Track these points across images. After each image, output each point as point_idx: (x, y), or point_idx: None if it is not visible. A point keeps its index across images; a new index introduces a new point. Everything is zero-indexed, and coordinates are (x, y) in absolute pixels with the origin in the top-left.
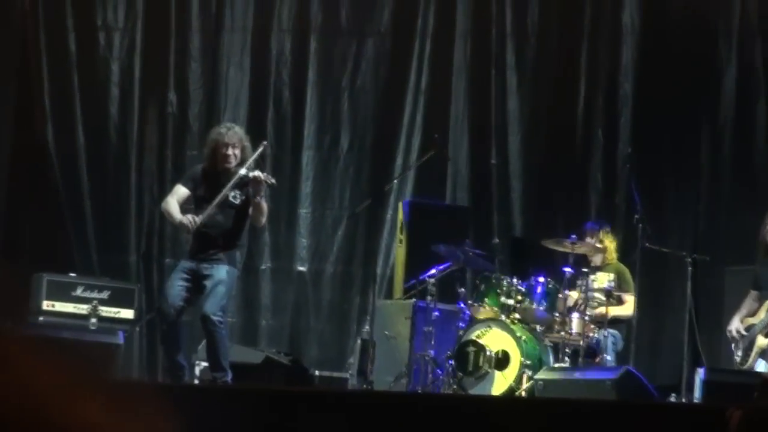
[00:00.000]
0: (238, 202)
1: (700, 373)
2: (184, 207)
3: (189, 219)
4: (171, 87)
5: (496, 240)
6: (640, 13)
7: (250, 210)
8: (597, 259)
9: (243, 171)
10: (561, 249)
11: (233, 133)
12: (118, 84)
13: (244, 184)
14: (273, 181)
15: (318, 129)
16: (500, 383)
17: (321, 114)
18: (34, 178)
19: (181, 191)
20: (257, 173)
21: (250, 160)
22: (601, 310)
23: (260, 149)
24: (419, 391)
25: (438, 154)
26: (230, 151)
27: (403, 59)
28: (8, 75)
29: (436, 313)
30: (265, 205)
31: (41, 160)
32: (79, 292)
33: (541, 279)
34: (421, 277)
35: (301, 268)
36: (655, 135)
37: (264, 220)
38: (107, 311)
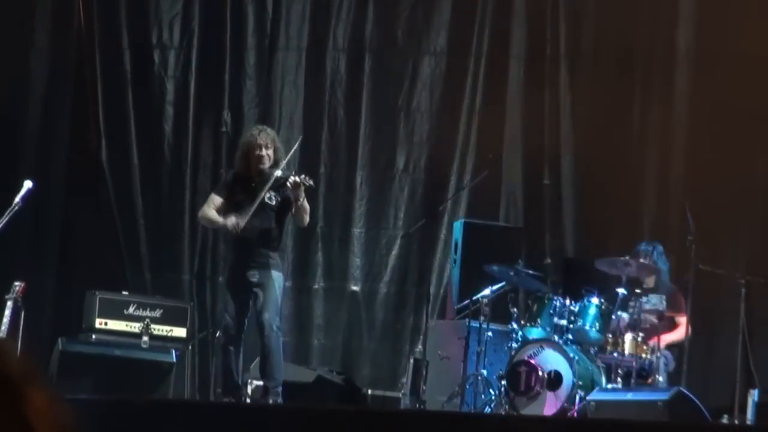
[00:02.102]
0: (274, 203)
1: (753, 395)
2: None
3: (233, 221)
4: (225, 106)
5: (549, 260)
6: (694, 36)
7: (292, 211)
8: (650, 281)
9: (279, 172)
10: (614, 270)
11: (265, 135)
12: (172, 102)
13: (280, 185)
14: (311, 182)
15: (372, 149)
16: (552, 404)
17: (375, 134)
18: (88, 197)
19: (216, 200)
20: (294, 178)
21: (285, 159)
22: (654, 335)
23: (297, 144)
24: (471, 411)
25: (491, 173)
26: (263, 152)
27: (457, 79)
28: (64, 93)
29: (489, 333)
30: (307, 206)
31: (96, 178)
32: (131, 310)
33: (594, 300)
34: (474, 298)
35: (355, 288)
36: (708, 155)
37: (307, 219)
38: (159, 329)
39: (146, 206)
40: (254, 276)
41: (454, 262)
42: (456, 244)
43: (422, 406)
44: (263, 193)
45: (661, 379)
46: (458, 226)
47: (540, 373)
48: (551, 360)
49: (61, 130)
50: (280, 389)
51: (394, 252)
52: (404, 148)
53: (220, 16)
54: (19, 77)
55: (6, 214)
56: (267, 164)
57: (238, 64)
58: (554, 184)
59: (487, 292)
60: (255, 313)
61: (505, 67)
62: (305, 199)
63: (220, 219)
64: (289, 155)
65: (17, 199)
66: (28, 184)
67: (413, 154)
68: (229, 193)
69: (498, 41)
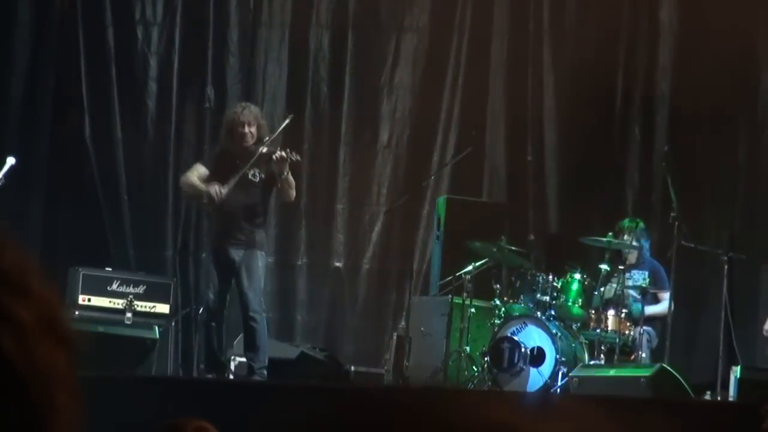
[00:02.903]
0: (258, 180)
1: (735, 371)
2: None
3: (216, 190)
4: (209, 82)
5: (532, 237)
6: (677, 12)
7: (277, 186)
8: (632, 257)
9: (263, 149)
10: (597, 246)
11: (248, 112)
12: (155, 79)
13: (264, 161)
14: (297, 157)
15: (355, 125)
16: (535, 380)
17: (358, 110)
18: (71, 173)
19: (201, 169)
20: (280, 153)
21: (272, 137)
22: (637, 308)
23: (286, 122)
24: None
25: (474, 149)
26: (246, 130)
27: (440, 55)
28: (47, 70)
29: (472, 310)
30: (292, 180)
31: (79, 155)
32: (114, 286)
33: (577, 276)
34: (456, 274)
35: (338, 264)
36: (691, 133)
37: (293, 194)
38: (143, 306)
39: (129, 182)
40: (238, 254)
41: (437, 238)
42: (439, 220)
43: (405, 383)
44: (246, 168)
45: (644, 355)
46: (441, 202)
47: (523, 350)
48: (534, 336)
49: (44, 106)
50: (265, 369)
51: (377, 228)
52: (387, 124)
53: None
54: (2, 53)
55: None
56: (250, 141)
57: (221, 40)
58: (537, 160)
59: (469, 268)
60: (238, 292)
61: (487, 43)
62: (290, 174)
63: (202, 185)
64: (276, 133)
65: (0, 175)
66: (11, 161)
67: (396, 130)
68: (215, 167)
69: (480, 17)
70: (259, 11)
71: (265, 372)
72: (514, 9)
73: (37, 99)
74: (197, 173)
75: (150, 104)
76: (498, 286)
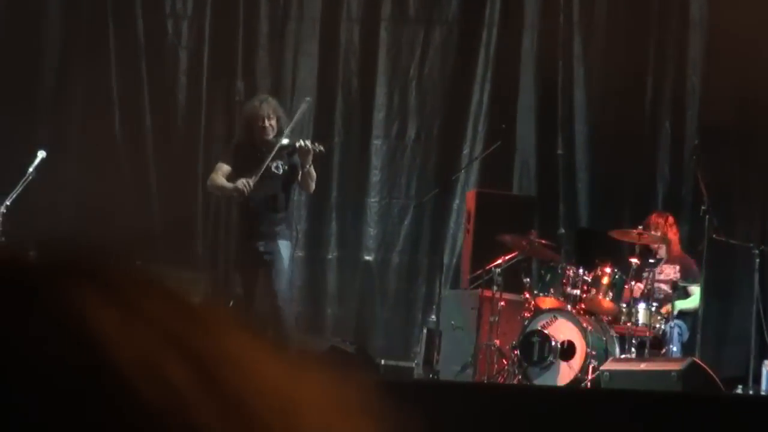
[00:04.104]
0: (281, 171)
1: (767, 365)
2: None
3: (243, 182)
4: (239, 75)
5: (562, 230)
6: (708, 4)
7: (299, 177)
8: (662, 251)
9: (285, 141)
10: (627, 240)
11: (267, 105)
12: (185, 72)
13: (287, 152)
14: (321, 148)
15: (386, 118)
16: (565, 374)
17: (389, 103)
18: (101, 166)
19: (224, 168)
20: (302, 143)
21: (291, 126)
22: (667, 302)
23: (302, 106)
24: (484, 381)
25: (504, 143)
26: (266, 123)
27: (470, 48)
28: (77, 63)
29: (502, 303)
30: (314, 173)
31: (109, 148)
32: None
33: (607, 269)
34: (487, 267)
35: (368, 258)
36: (722, 126)
37: (314, 186)
38: None
39: (159, 175)
40: (262, 246)
41: (467, 231)
42: (469, 214)
43: (435, 376)
44: (268, 161)
45: (674, 349)
46: (471, 195)
47: (553, 343)
48: (564, 330)
49: (74, 100)
50: None
51: (407, 221)
52: (417, 118)
53: None
54: (32, 47)
55: (20, 184)
56: (271, 134)
57: (251, 33)
58: (568, 154)
59: (499, 261)
60: (264, 283)
61: (518, 36)
62: (312, 166)
63: (228, 184)
64: (294, 121)
65: (31, 169)
66: (41, 154)
67: (426, 123)
68: (236, 161)
69: (510, 10)
70: (289, 5)
71: None
72: (544, 2)
73: (66, 93)
74: (222, 173)
75: (180, 98)
76: (528, 279)
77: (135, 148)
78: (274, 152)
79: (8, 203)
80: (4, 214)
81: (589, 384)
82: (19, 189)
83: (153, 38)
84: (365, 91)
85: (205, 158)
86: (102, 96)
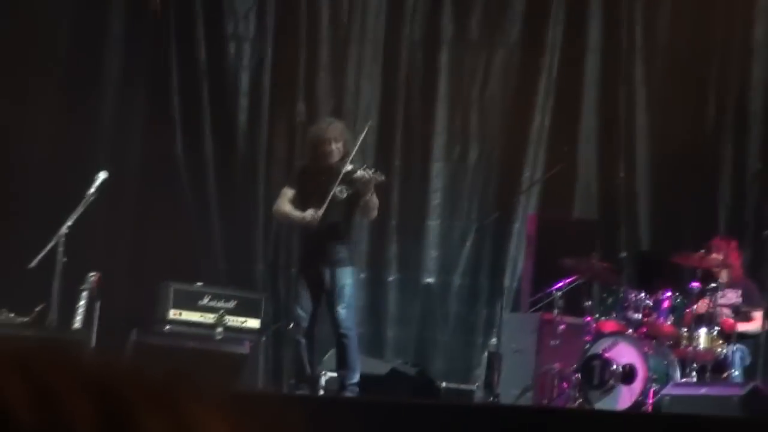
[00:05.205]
0: (345, 195)
1: None
2: None
3: (311, 214)
4: (300, 97)
5: (624, 254)
6: None
7: (360, 203)
8: (724, 275)
9: (349, 167)
10: (689, 264)
11: (333, 128)
12: (247, 94)
13: (350, 178)
14: (382, 177)
15: (447, 141)
16: (626, 397)
17: (450, 126)
18: (162, 188)
19: (289, 193)
20: (364, 173)
21: (354, 150)
22: (729, 324)
23: (365, 131)
24: (545, 405)
25: (565, 166)
26: (333, 146)
27: (532, 72)
28: (138, 84)
29: (563, 327)
30: (376, 201)
31: (170, 169)
32: (205, 301)
33: (669, 293)
34: (547, 291)
35: (429, 280)
36: None
37: (375, 213)
38: (233, 321)
39: (220, 197)
40: (327, 273)
41: (528, 254)
42: (530, 237)
43: (496, 400)
44: (334, 187)
45: (736, 373)
46: (532, 218)
47: (614, 367)
48: (625, 354)
49: (135, 120)
50: (357, 386)
51: (468, 244)
52: (478, 140)
53: (295, 7)
54: (94, 67)
55: (80, 204)
56: (336, 158)
57: (313, 55)
58: (629, 177)
59: (560, 285)
60: (329, 310)
61: (580, 59)
62: (374, 194)
63: (296, 213)
64: (357, 145)
65: (91, 189)
66: (102, 175)
67: (487, 146)
68: (300, 185)
69: (573, 34)
70: (351, 27)
71: (357, 388)
72: (606, 26)
73: (128, 113)
74: (287, 198)
75: (241, 119)
76: (589, 302)
77: (196, 169)
78: (339, 177)
79: (70, 223)
80: (66, 235)
81: (649, 408)
82: (80, 210)
83: (214, 59)
84: (426, 114)
85: (266, 179)
86: (163, 117)
